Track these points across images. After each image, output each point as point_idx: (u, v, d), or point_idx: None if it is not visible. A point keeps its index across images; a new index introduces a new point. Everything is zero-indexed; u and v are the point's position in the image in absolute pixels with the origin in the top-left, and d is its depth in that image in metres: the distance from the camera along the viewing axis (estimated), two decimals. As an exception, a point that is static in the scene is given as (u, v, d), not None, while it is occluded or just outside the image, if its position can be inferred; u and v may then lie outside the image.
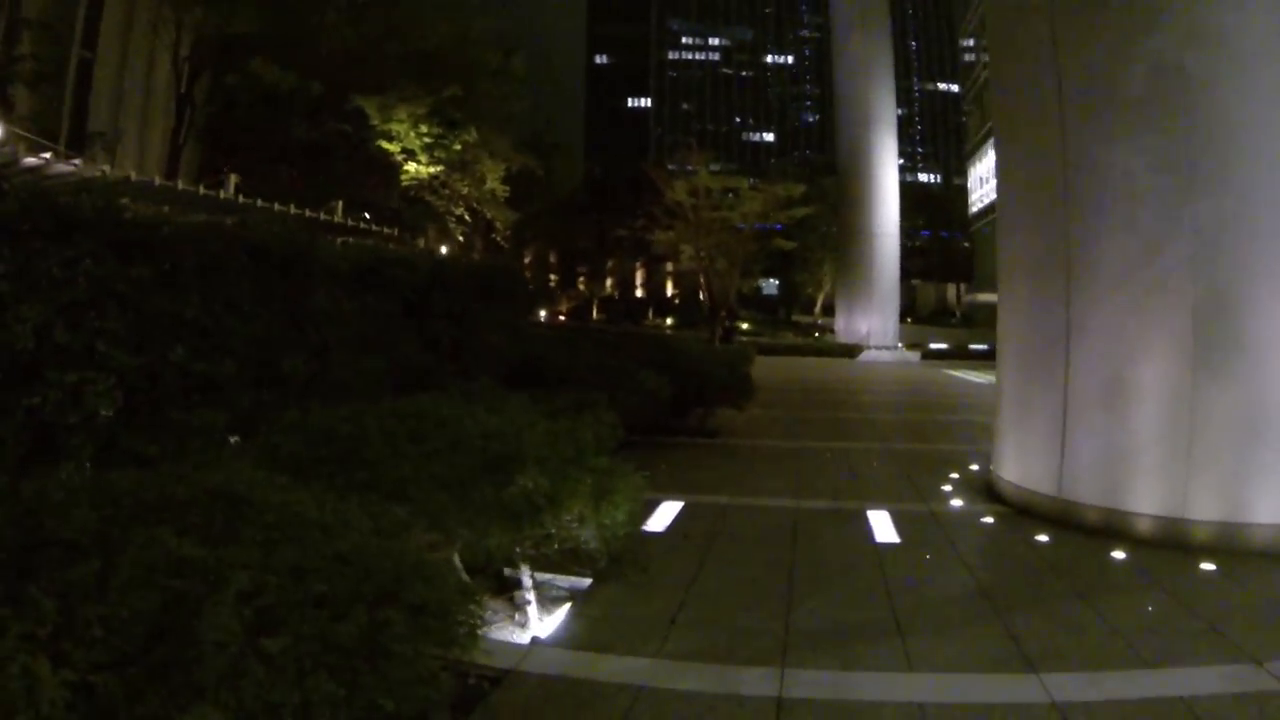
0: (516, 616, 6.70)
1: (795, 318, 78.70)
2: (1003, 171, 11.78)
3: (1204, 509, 8.69)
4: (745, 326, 64.04)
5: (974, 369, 42.75)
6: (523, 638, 6.34)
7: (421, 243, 48.40)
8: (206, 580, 2.95)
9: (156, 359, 5.47)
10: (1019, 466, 10.52)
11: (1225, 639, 6.38)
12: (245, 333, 6.32)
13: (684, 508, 10.09)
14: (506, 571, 7.16)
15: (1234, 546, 8.55)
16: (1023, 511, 10.18)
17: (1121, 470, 9.13)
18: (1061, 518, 9.60)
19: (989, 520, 9.96)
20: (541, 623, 6.57)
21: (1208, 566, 8.10)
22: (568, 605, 6.90)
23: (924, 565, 8.22)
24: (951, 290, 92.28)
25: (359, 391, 7.69)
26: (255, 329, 6.44)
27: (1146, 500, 8.95)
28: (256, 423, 6.12)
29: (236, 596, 2.89)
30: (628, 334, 30.37)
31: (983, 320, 71.32)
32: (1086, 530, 9.30)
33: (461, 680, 5.13)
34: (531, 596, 6.69)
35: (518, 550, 6.53)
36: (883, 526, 9.51)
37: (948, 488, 11.73)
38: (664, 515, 9.71)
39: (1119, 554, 8.46)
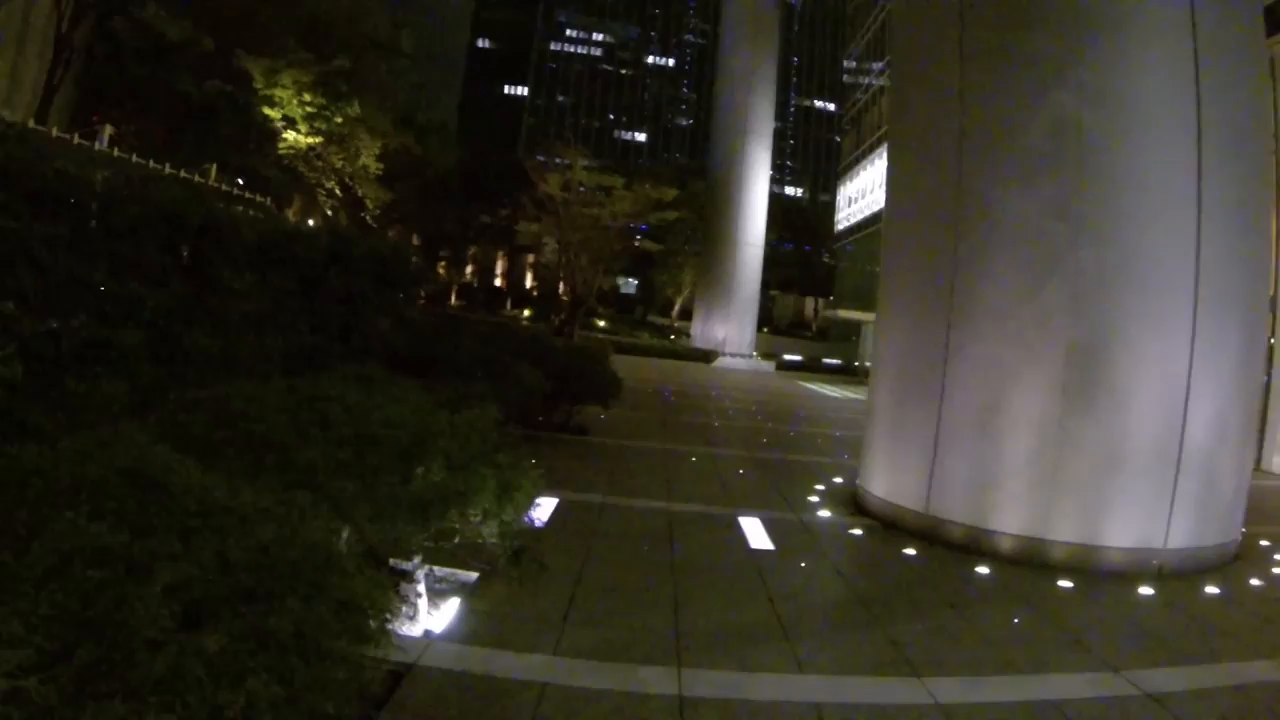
0: (404, 609, 6.53)
1: (652, 318, 78.83)
2: (893, 194, 12.13)
3: (1063, 531, 9.12)
4: (602, 324, 63.89)
5: (828, 383, 43.82)
6: (413, 631, 6.19)
7: (290, 215, 46.92)
8: (130, 571, 2.76)
9: (61, 325, 5.12)
10: (888, 482, 10.82)
11: (1087, 650, 6.75)
12: (153, 302, 5.97)
13: (560, 504, 10.04)
14: (392, 562, 6.98)
15: (1089, 566, 9.00)
16: (890, 525, 10.47)
17: (989, 491, 9.50)
18: (928, 533, 9.91)
19: (858, 532, 10.22)
20: (431, 616, 6.45)
21: (1066, 584, 8.51)
22: (455, 600, 6.78)
23: (801, 573, 8.38)
24: (810, 304, 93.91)
25: (255, 370, 7.39)
26: (163, 299, 6.09)
27: (1011, 520, 9.32)
28: (156, 397, 5.81)
29: (164, 590, 2.71)
30: (499, 326, 29.99)
31: (838, 335, 73.16)
32: (952, 546, 9.62)
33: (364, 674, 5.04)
34: (423, 590, 6.54)
35: (426, 544, 6.37)
36: (756, 533, 9.64)
37: (815, 498, 11.97)
38: (542, 510, 9.61)
39: (984, 569, 8.80)
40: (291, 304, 9.35)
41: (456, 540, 6.40)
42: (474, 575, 7.18)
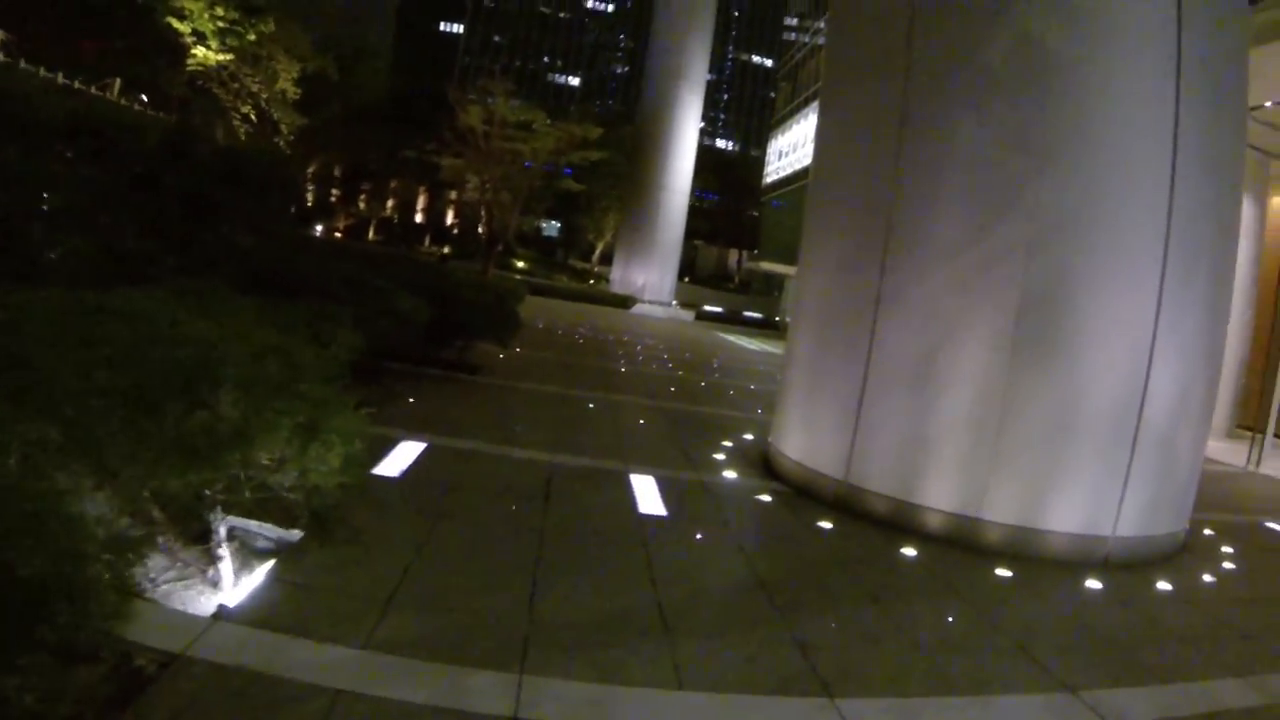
0: (210, 573, 5.08)
1: (572, 262, 77.80)
2: (826, 119, 10.64)
3: (1001, 510, 7.90)
4: (521, 265, 62.70)
5: (747, 335, 42.80)
6: (210, 605, 4.75)
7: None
8: None
9: None
10: (803, 443, 9.51)
11: (1035, 661, 5.52)
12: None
13: (427, 450, 8.61)
14: (212, 517, 5.53)
15: (1028, 552, 7.83)
16: (803, 492, 9.19)
17: (919, 459, 8.23)
18: (846, 503, 8.66)
19: (766, 499, 8.91)
20: (237, 585, 5.07)
21: (1004, 573, 7.29)
22: (271, 564, 5.36)
23: (695, 547, 7.01)
24: (734, 256, 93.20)
25: (52, 277, 5.96)
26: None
27: (942, 495, 8.08)
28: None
29: None
30: (397, 256, 28.10)
31: (760, 289, 72.58)
32: (873, 520, 8.38)
33: (124, 664, 3.87)
34: (226, 551, 5.09)
35: (207, 494, 4.89)
36: (648, 494, 8.29)
37: (720, 456, 10.66)
38: (402, 458, 8.19)
39: (910, 550, 7.56)
40: (115, 203, 7.80)
41: (247, 494, 4.97)
42: (298, 534, 5.71)
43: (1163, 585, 7.61)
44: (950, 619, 6.09)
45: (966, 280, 8.07)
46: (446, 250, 65.84)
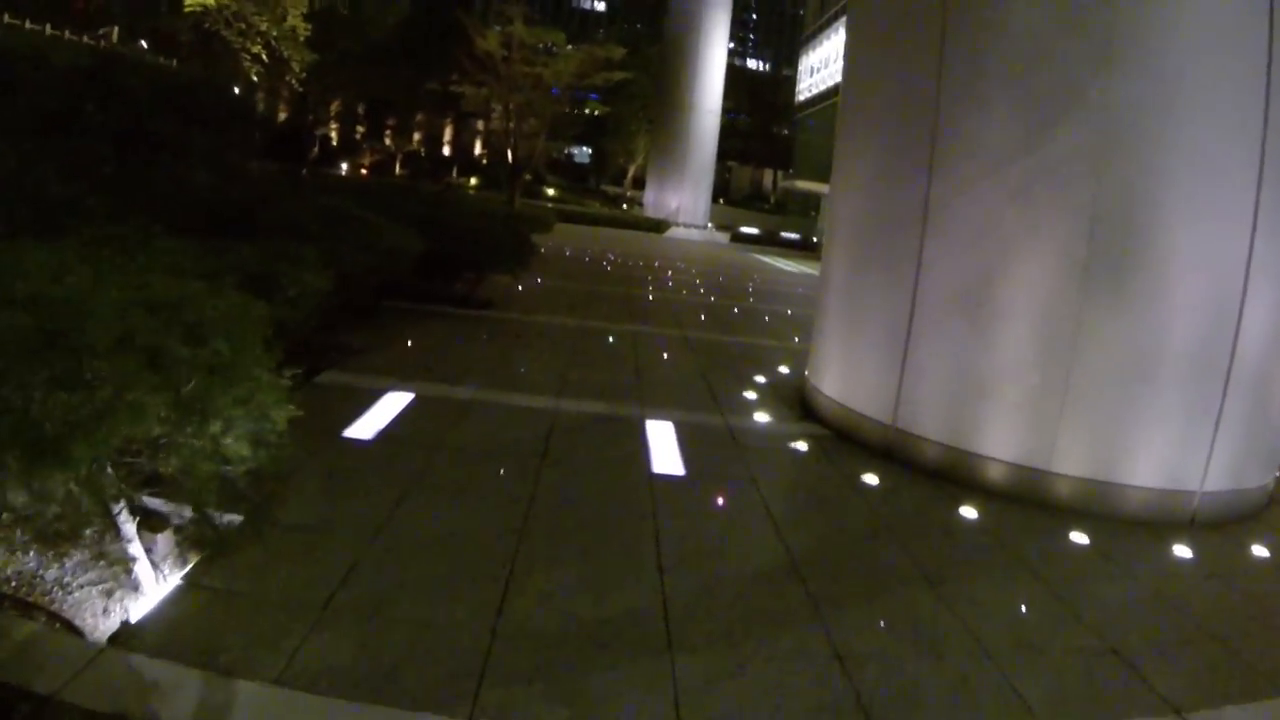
0: (134, 573, 4.09)
1: (605, 188, 76.16)
2: (859, 7, 9.24)
3: (1072, 461, 6.70)
4: (551, 192, 61.26)
5: (784, 256, 41.46)
6: (120, 616, 3.83)
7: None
8: None
9: None
10: (843, 382, 8.33)
11: (1129, 666, 4.36)
12: None
13: (414, 402, 7.56)
14: (145, 499, 4.56)
15: (1103, 509, 6.66)
16: (844, 437, 8.06)
17: (977, 402, 7.03)
18: (893, 451, 7.52)
19: (801, 447, 7.76)
20: (160, 584, 4.11)
21: (1079, 538, 6.13)
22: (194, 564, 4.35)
23: (714, 517, 5.84)
24: (769, 176, 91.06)
25: None
26: None
27: (1005, 443, 6.89)
28: None
29: None
30: (403, 188, 26.74)
31: (797, 209, 70.73)
32: (925, 471, 7.24)
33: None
34: (138, 549, 4.07)
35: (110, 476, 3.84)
36: (665, 448, 7.17)
37: (751, 395, 9.52)
38: (383, 413, 7.14)
39: (969, 511, 6.41)
40: (24, 143, 6.75)
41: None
42: (238, 518, 4.68)
43: (1259, 552, 6.38)
44: (1023, 609, 4.92)
45: (1027, 191, 6.73)
46: (452, 178, 64.55)
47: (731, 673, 3.84)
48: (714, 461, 7.06)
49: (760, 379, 10.44)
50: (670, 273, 24.94)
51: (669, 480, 6.42)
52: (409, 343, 10.06)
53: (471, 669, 3.64)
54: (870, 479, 6.95)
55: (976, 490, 6.86)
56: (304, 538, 4.69)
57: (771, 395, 9.61)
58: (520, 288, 15.75)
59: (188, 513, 4.62)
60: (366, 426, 6.77)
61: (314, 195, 11.50)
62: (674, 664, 3.85)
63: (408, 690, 3.44)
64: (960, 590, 5.04)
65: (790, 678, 3.86)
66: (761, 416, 8.62)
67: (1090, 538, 6.14)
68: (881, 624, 4.49)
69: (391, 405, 7.37)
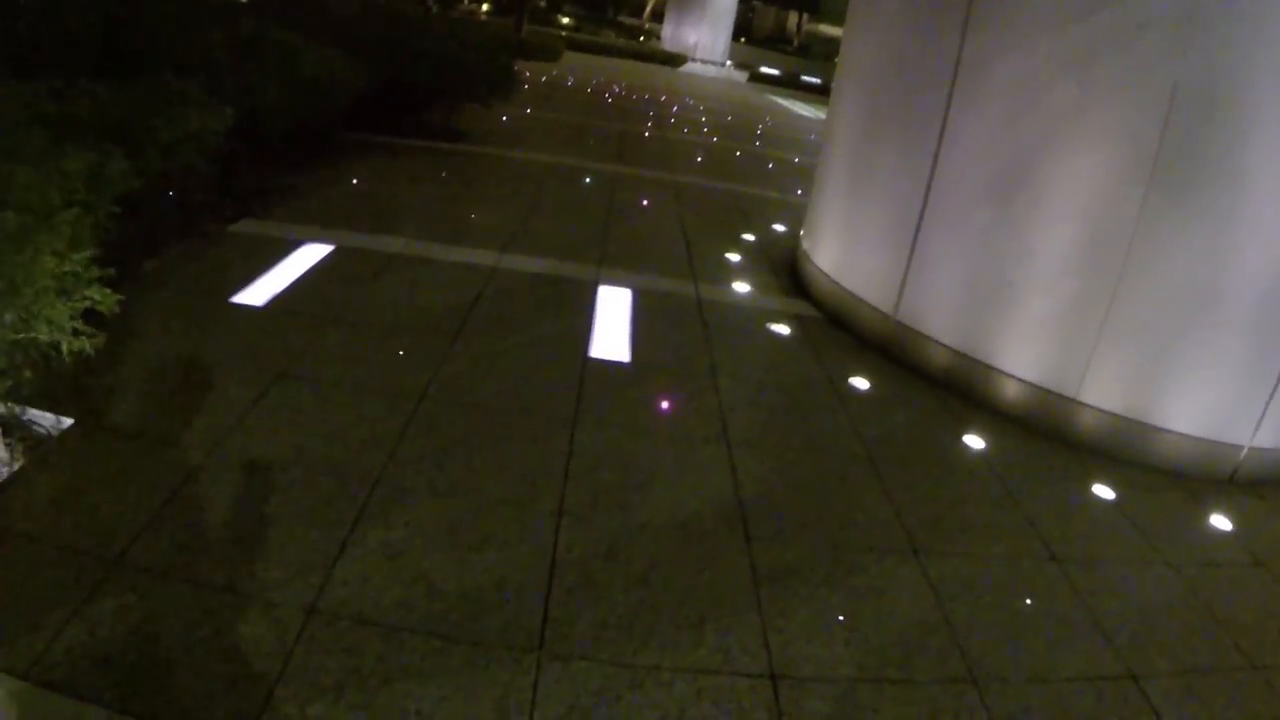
0: None
1: (622, 19, 73.24)
2: None
3: (1104, 393, 5.37)
4: (566, 21, 58.61)
5: (802, 100, 39.32)
6: None
7: None
8: None
9: None
10: (841, 257, 6.96)
11: (1150, 706, 3.16)
12: None
13: (329, 257, 6.28)
14: None
15: (1131, 453, 5.39)
16: (836, 322, 6.76)
17: (998, 308, 5.65)
18: (892, 348, 6.23)
19: (784, 331, 6.46)
20: None
21: (1103, 492, 4.88)
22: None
23: (654, 433, 4.54)
24: (794, 19, 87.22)
25: None
26: None
27: (1026, 361, 5.56)
28: None
29: None
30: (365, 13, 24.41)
31: (820, 54, 67.78)
32: (928, 378, 5.97)
33: None
34: None
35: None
36: (613, 323, 5.90)
37: (735, 257, 8.18)
38: (289, 271, 5.88)
39: (976, 440, 5.17)
40: None
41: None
42: (68, 421, 3.60)
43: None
44: (1029, 601, 3.68)
45: (1092, 50, 5.17)
46: (485, 8, 61.54)
47: (612, 695, 2.64)
48: (671, 345, 5.77)
49: (749, 236, 9.08)
50: (676, 108, 23.07)
51: (607, 369, 5.14)
52: (354, 181, 8.64)
53: (266, 674, 2.45)
54: (860, 383, 5.68)
55: (986, 410, 5.61)
56: (129, 451, 3.47)
57: (759, 259, 8.27)
58: (505, 119, 14.17)
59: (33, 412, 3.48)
60: (263, 289, 5.50)
61: (251, 21, 9.76)
62: (540, 671, 2.64)
63: (178, 696, 2.25)
64: (948, 569, 3.79)
65: (694, 697, 2.66)
66: (741, 286, 7.30)
67: (1115, 491, 4.88)
68: (841, 620, 3.27)
69: (303, 260, 6.09)
